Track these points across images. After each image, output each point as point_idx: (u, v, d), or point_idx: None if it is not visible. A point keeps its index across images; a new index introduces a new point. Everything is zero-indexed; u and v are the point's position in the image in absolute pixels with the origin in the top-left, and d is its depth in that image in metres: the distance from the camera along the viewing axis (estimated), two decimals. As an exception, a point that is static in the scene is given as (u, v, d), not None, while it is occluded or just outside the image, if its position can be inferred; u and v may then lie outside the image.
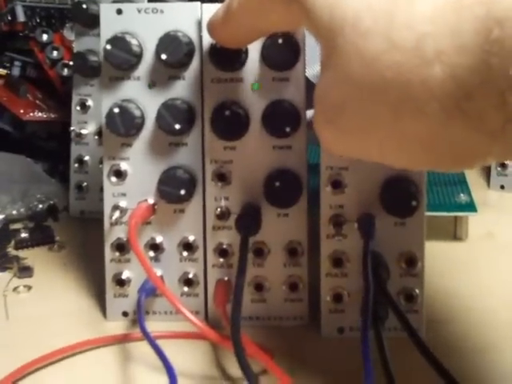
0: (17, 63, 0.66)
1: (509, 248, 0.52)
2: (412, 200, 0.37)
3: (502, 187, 0.64)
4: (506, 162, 0.63)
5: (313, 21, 0.27)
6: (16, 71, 0.66)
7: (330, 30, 0.26)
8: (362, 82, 0.25)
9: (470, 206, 0.52)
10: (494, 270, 0.48)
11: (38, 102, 0.65)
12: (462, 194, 0.53)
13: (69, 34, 0.62)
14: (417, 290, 0.39)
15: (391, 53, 0.23)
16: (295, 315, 0.41)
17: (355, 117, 0.26)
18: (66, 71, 0.63)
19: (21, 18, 0.64)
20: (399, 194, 0.38)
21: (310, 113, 0.40)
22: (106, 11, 0.40)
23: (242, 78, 0.39)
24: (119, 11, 0.40)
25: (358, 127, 0.26)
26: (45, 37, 0.64)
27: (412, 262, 0.39)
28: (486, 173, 0.66)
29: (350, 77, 0.25)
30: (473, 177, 0.62)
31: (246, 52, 0.39)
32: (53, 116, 0.65)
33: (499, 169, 0.64)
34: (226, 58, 0.39)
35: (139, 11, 0.40)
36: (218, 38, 0.36)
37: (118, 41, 0.39)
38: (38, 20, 0.65)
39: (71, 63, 0.61)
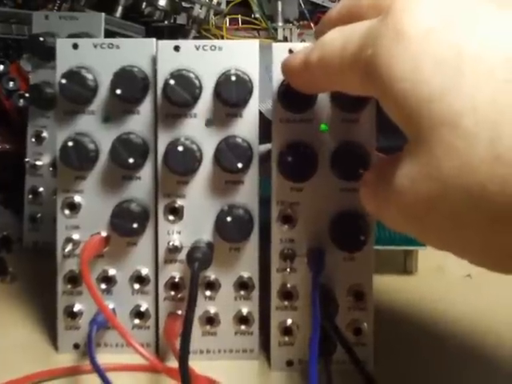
0: (-28, 93, 0.66)
1: (458, 281, 0.53)
2: (360, 235, 0.38)
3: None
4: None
5: (399, 108, 0.25)
6: (-29, 101, 0.66)
7: (422, 123, 0.24)
8: (459, 188, 0.23)
9: (420, 240, 0.53)
10: (443, 303, 0.49)
11: (-8, 132, 0.65)
12: (411, 228, 0.54)
13: (25, 64, 0.62)
14: (365, 324, 0.40)
15: (495, 165, 0.22)
16: (245, 348, 0.42)
17: (445, 218, 0.24)
18: (21, 102, 0.63)
19: (-23, 48, 0.65)
20: (348, 229, 0.39)
21: (262, 147, 0.41)
22: (62, 46, 0.41)
23: (195, 113, 0.40)
24: (75, 46, 0.40)
25: (446, 228, 0.24)
26: (1, 67, 0.64)
27: (360, 295, 0.40)
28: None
29: (445, 179, 0.23)
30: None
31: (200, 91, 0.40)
32: (7, 147, 0.64)
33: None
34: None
35: (95, 46, 0.41)
36: (294, 83, 0.35)
37: (73, 75, 0.40)
38: (-5, 50, 0.65)
39: (27, 94, 0.61)
